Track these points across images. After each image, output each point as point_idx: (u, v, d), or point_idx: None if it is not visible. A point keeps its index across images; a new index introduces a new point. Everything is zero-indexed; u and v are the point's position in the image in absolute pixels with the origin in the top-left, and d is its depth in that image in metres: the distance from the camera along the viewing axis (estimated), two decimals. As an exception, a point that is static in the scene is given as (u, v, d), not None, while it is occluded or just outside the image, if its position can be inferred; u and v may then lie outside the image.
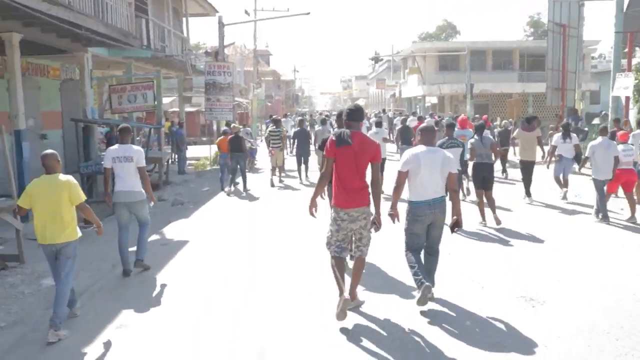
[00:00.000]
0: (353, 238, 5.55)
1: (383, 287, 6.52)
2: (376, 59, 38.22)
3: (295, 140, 16.43)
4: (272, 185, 15.26)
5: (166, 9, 18.43)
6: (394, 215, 5.67)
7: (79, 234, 5.61)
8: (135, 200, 7.10)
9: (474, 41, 37.02)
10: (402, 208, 5.77)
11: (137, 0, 14.20)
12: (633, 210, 10.05)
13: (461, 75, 38.06)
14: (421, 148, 5.74)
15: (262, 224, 10.45)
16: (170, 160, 19.31)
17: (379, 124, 15.04)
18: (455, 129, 11.85)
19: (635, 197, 10.51)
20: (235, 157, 14.18)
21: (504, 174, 15.61)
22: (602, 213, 9.94)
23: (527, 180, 11.97)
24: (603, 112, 20.46)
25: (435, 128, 7.11)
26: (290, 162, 18.31)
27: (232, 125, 16.86)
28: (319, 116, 25.82)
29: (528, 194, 11.86)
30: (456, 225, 5.79)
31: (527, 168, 11.97)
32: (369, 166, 5.36)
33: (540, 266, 7.30)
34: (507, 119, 25.16)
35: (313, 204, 5.58)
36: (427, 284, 5.44)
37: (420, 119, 19.85)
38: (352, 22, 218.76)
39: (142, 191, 7.19)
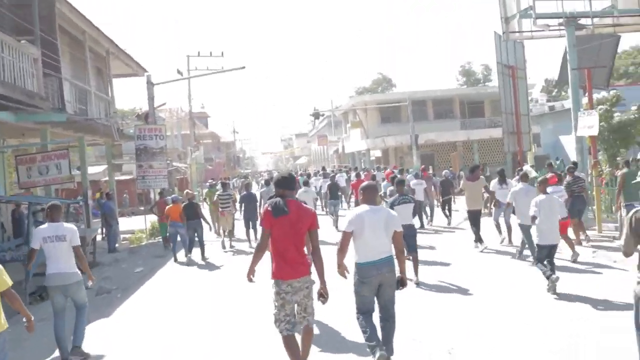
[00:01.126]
0: (297, 309, 5.31)
1: (341, 348, 6.35)
2: (316, 115, 37.36)
3: (243, 204, 15.50)
4: (224, 247, 15.36)
5: (87, 68, 16.67)
6: (341, 271, 5.62)
7: (5, 325, 4.85)
8: (70, 282, 6.64)
9: (413, 91, 36.69)
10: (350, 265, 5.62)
11: (47, 57, 12.40)
12: (572, 248, 10.47)
13: (404, 127, 37.54)
14: (364, 207, 5.67)
15: (208, 316, 8.57)
16: (100, 237, 17.26)
17: (306, 183, 16.28)
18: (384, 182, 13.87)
19: (573, 236, 11.30)
20: (192, 225, 13.74)
21: (448, 219, 16.57)
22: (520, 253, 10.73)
23: (476, 228, 12.21)
24: (559, 159, 19.77)
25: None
26: (239, 225, 16.75)
27: (185, 192, 16.76)
28: (261, 177, 25.75)
29: (479, 240, 12.15)
30: (401, 284, 5.69)
31: (474, 217, 12.26)
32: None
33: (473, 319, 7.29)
34: (450, 169, 25.06)
35: (251, 272, 5.40)
36: (381, 352, 5.26)
37: (358, 177, 20.36)
38: (288, 80, 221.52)
39: (78, 272, 6.77)
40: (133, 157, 20.72)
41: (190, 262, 13.47)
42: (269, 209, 5.18)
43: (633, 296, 4.57)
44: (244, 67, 19.90)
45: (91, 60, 17.78)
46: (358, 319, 5.65)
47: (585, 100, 16.57)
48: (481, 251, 11.92)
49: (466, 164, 36.01)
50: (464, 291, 8.79)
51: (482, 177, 13.05)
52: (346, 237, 5.60)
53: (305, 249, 5.37)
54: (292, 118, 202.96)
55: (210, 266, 13.30)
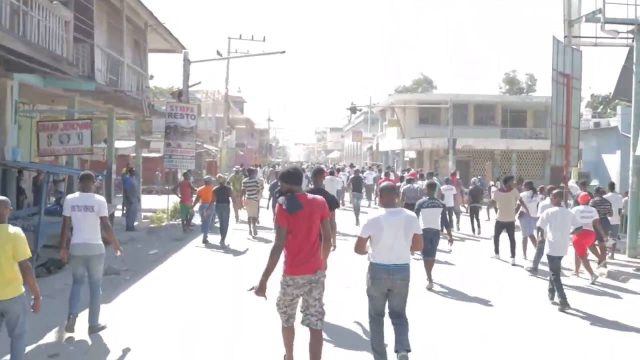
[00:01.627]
0: (302, 304, 5.23)
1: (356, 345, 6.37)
2: (353, 109, 36.50)
3: (271, 192, 15.46)
4: (250, 233, 15.30)
5: (123, 39, 16.14)
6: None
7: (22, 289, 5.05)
8: (93, 254, 6.70)
9: (455, 94, 35.46)
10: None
11: (80, 22, 11.84)
12: (590, 271, 10.34)
13: (442, 130, 36.36)
14: (381, 212, 5.51)
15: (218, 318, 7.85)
16: (120, 213, 16.80)
17: (332, 173, 19.18)
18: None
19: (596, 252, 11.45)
20: (220, 208, 13.73)
21: (476, 230, 16.45)
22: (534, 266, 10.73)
23: (511, 241, 12.05)
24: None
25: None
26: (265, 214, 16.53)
27: (217, 176, 16.98)
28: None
29: (512, 254, 12.00)
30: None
31: (501, 228, 12.24)
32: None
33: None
34: (479, 177, 24.71)
35: (263, 289, 5.02)
36: None
37: (387, 175, 20.69)
38: (328, 73, 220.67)
39: (102, 244, 6.82)
40: (163, 134, 20.18)
41: (209, 246, 13.39)
42: (283, 206, 5.01)
43: None
44: (284, 52, 19.23)
45: (129, 31, 17.28)
46: (370, 323, 5.63)
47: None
48: (513, 264, 11.88)
49: (503, 173, 34.91)
50: (476, 299, 8.87)
51: (515, 189, 12.77)
52: (361, 242, 5.48)
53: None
54: (328, 112, 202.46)
55: (229, 252, 12.87)
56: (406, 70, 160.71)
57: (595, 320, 7.88)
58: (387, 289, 5.46)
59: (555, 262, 8.67)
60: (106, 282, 9.22)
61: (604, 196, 12.61)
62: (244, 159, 49.76)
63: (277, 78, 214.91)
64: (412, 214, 5.84)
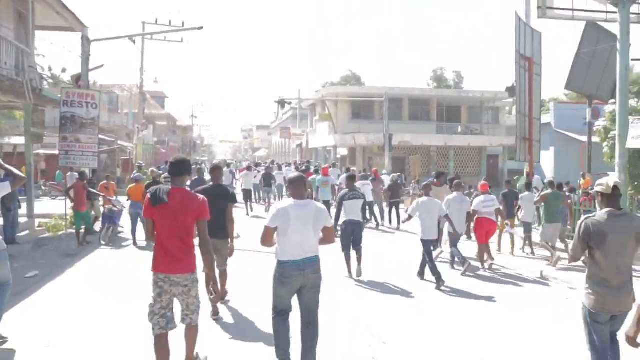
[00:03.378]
0: (181, 305, 4.92)
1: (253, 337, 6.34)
2: (282, 103, 33.95)
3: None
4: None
5: (4, 10, 12.92)
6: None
7: None
8: None
9: (390, 87, 33.49)
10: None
11: None
12: (489, 255, 11.03)
13: (375, 125, 34.49)
14: (289, 201, 5.25)
15: None
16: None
17: (249, 168, 21.88)
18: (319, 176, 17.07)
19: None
20: None
21: (398, 222, 16.46)
22: (461, 260, 10.57)
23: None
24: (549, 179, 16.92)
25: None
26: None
27: (150, 170, 16.47)
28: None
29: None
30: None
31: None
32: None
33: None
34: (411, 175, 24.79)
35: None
36: None
37: (307, 170, 20.97)
38: (254, 69, 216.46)
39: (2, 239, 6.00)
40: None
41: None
42: (148, 197, 4.84)
43: (582, 308, 4.60)
44: (201, 28, 16.33)
45: (11, 1, 14.04)
46: (273, 321, 5.27)
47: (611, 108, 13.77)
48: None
49: (438, 170, 33.31)
50: (402, 292, 9.04)
51: (445, 185, 13.09)
52: (268, 232, 5.17)
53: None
54: (255, 109, 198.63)
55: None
56: (334, 67, 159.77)
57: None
58: (300, 286, 5.17)
59: (427, 245, 9.69)
60: None
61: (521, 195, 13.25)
62: (166, 156, 46.29)
63: (200, 74, 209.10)
64: (322, 206, 5.47)
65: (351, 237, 9.81)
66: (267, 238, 5.17)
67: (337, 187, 16.97)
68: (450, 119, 37.31)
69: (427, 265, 9.55)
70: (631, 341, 4.25)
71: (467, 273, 10.27)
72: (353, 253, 9.86)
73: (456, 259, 10.78)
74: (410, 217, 10.13)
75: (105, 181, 14.97)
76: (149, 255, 4.98)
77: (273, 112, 74.83)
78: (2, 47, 12.86)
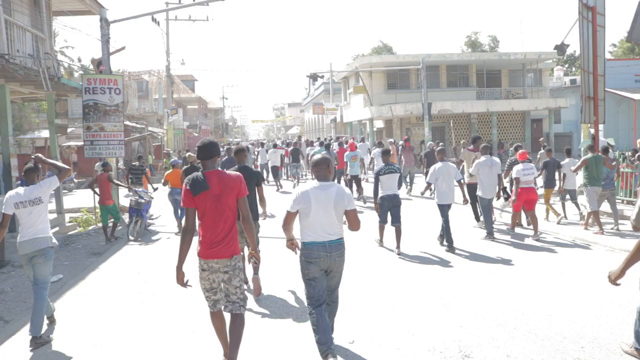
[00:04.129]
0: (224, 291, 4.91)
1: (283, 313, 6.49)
2: (314, 77, 32.45)
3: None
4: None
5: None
6: (291, 244, 5.24)
7: None
8: (38, 249, 5.97)
9: (427, 54, 31.71)
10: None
11: None
12: (535, 227, 10.79)
13: (411, 95, 32.91)
14: (312, 184, 5.14)
15: None
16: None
17: (275, 145, 22.55)
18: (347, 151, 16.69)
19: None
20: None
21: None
22: (488, 230, 10.68)
23: (473, 205, 11.96)
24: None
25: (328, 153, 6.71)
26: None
27: (187, 154, 16.16)
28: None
29: (477, 218, 12.01)
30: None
31: (471, 193, 11.47)
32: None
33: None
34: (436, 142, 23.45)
35: (180, 276, 4.82)
36: (332, 356, 4.78)
37: (341, 145, 18.99)
38: (283, 45, 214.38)
39: (51, 236, 6.11)
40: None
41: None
42: (187, 187, 4.72)
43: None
44: (226, -1, 15.14)
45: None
46: (310, 314, 5.07)
47: None
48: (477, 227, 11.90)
49: (475, 135, 31.54)
50: (444, 262, 8.95)
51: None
52: (290, 217, 5.10)
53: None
54: (286, 87, 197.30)
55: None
56: (365, 39, 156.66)
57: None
58: (327, 268, 5.06)
59: (444, 210, 9.92)
60: None
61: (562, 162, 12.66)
62: (198, 140, 45.60)
63: (228, 54, 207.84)
64: (345, 189, 5.27)
65: (388, 212, 9.91)
66: (288, 222, 5.11)
67: (365, 161, 18.15)
68: (491, 84, 35.38)
69: (444, 231, 9.93)
70: (612, 281, 4.82)
71: (501, 239, 10.59)
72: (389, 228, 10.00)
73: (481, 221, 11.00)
74: (429, 185, 10.21)
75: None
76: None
77: (304, 88, 73.73)
78: (14, 34, 11.92)
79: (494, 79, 35.85)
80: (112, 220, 12.25)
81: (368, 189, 16.19)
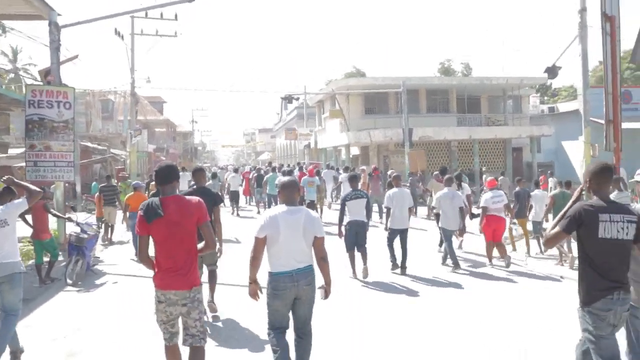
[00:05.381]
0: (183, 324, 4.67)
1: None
2: (289, 98, 30.96)
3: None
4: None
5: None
6: (254, 290, 4.97)
7: None
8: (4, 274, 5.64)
9: (407, 77, 30.34)
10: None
11: None
12: (503, 253, 10.88)
13: (390, 120, 31.41)
14: (281, 208, 4.95)
15: None
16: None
17: (236, 170, 24.71)
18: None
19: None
20: None
21: None
22: (453, 261, 10.51)
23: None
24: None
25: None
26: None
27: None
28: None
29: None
30: (325, 295, 5.04)
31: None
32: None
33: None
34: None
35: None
36: None
37: (301, 170, 21.22)
38: (254, 69, 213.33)
39: (19, 261, 5.85)
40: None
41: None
42: (141, 213, 4.53)
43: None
44: (192, 0, 13.28)
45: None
46: (269, 335, 4.94)
47: None
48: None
49: (466, 166, 30.36)
50: (409, 291, 8.91)
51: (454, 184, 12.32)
52: (259, 243, 4.85)
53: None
54: (257, 112, 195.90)
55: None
56: (337, 65, 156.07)
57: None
58: (294, 298, 4.86)
59: (394, 234, 10.23)
60: None
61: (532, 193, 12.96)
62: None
63: (198, 75, 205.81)
64: (314, 214, 5.09)
65: (355, 238, 9.78)
66: (257, 250, 4.85)
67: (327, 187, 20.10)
68: (471, 110, 34.21)
69: (390, 251, 10.31)
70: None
71: (466, 270, 10.51)
72: (358, 255, 9.86)
73: (448, 257, 10.75)
74: (388, 209, 10.30)
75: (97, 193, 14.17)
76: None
77: (276, 113, 72.22)
78: None
79: (474, 104, 34.72)
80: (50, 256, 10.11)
81: (331, 216, 16.79)
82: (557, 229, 4.23)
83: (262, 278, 4.95)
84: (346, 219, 9.81)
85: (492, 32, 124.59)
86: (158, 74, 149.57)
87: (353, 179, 10.22)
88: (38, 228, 9.64)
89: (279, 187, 5.07)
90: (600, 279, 4.07)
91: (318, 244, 4.91)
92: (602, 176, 4.23)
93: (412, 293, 8.80)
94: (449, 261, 10.75)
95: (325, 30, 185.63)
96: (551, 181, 22.74)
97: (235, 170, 23.38)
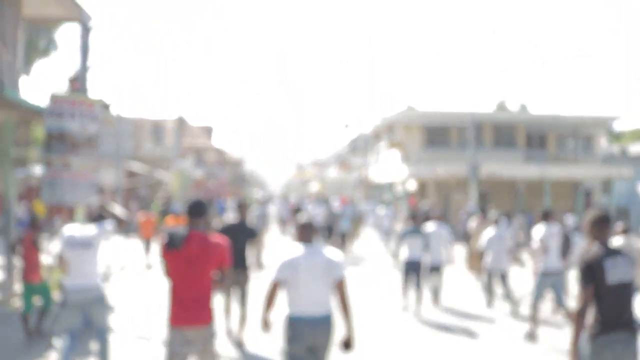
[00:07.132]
0: None
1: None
2: (349, 126, 29.35)
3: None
4: None
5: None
6: (266, 324, 4.75)
7: None
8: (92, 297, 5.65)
9: (472, 112, 27.94)
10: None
11: None
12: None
13: (453, 153, 29.04)
14: (299, 250, 4.69)
15: None
16: None
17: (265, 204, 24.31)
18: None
19: None
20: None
21: None
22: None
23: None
24: None
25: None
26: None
27: None
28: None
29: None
30: (347, 346, 4.63)
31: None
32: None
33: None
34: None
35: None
36: None
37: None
38: (304, 107, 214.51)
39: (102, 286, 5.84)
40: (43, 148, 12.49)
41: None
42: (164, 238, 4.57)
43: None
44: None
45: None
46: None
47: None
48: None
49: (529, 210, 27.66)
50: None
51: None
52: (274, 288, 4.63)
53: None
54: (309, 144, 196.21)
55: None
56: (390, 105, 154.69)
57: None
58: (310, 346, 4.58)
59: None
60: None
61: None
62: (213, 192, 42.59)
63: (251, 110, 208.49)
64: (336, 257, 4.74)
65: (411, 276, 9.79)
66: (272, 294, 4.63)
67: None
68: (539, 147, 31.58)
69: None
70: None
71: None
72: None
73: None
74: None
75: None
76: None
77: (329, 145, 71.26)
78: None
79: (542, 141, 32.07)
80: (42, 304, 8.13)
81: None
82: (580, 292, 4.25)
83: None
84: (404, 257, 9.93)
85: (547, 67, 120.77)
86: (209, 102, 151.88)
87: (414, 217, 10.30)
88: (27, 268, 7.71)
89: (297, 226, 4.87)
90: (606, 319, 4.18)
91: (340, 288, 4.64)
92: (602, 224, 4.37)
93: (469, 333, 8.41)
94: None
95: (377, 72, 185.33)
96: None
97: (265, 204, 23.10)
